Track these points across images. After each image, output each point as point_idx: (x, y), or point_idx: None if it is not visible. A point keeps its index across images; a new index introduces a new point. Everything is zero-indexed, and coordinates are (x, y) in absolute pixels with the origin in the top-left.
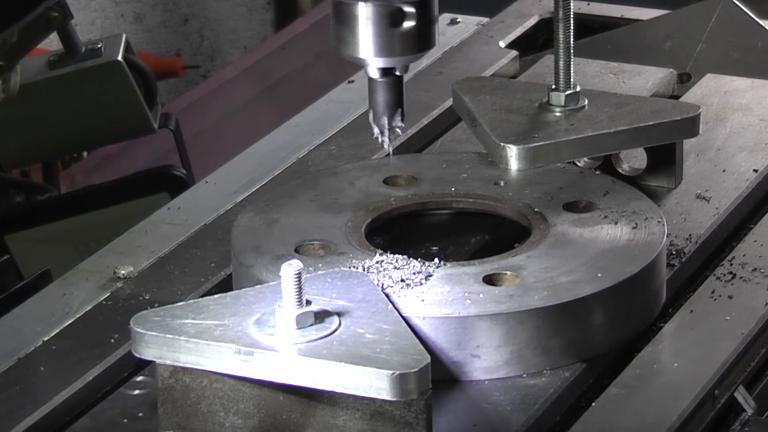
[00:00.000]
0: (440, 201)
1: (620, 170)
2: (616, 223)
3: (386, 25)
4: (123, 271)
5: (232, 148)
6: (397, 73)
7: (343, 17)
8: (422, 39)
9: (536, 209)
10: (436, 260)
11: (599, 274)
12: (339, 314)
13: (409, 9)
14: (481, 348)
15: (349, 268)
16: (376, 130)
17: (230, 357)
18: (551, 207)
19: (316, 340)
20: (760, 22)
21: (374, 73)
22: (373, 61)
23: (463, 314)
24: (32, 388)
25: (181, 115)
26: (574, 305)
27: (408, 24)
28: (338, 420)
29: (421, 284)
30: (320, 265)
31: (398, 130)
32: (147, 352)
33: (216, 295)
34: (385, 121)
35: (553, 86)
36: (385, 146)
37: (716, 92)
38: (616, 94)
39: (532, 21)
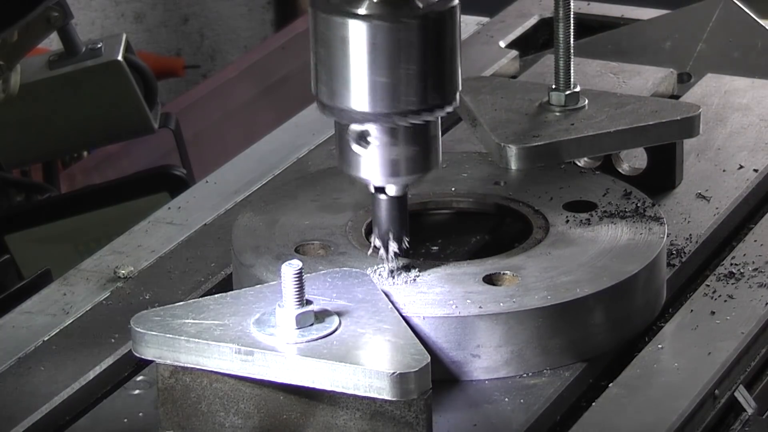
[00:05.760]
0: (440, 201)
1: (620, 170)
2: (616, 223)
3: (392, 146)
4: (123, 271)
5: (232, 148)
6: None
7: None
8: (427, 159)
9: (536, 209)
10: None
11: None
12: (339, 314)
13: (411, 130)
14: (481, 348)
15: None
16: (378, 245)
17: (230, 357)
18: (551, 207)
19: (316, 339)
20: (760, 22)
21: (378, 193)
22: (377, 181)
23: (463, 314)
24: (32, 388)
25: (181, 115)
26: (574, 305)
27: (411, 147)
28: (338, 420)
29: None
30: (320, 266)
31: (399, 251)
32: (147, 352)
33: (216, 295)
34: (390, 237)
35: (553, 86)
36: (387, 264)
37: (716, 92)
38: (616, 94)
39: (532, 21)
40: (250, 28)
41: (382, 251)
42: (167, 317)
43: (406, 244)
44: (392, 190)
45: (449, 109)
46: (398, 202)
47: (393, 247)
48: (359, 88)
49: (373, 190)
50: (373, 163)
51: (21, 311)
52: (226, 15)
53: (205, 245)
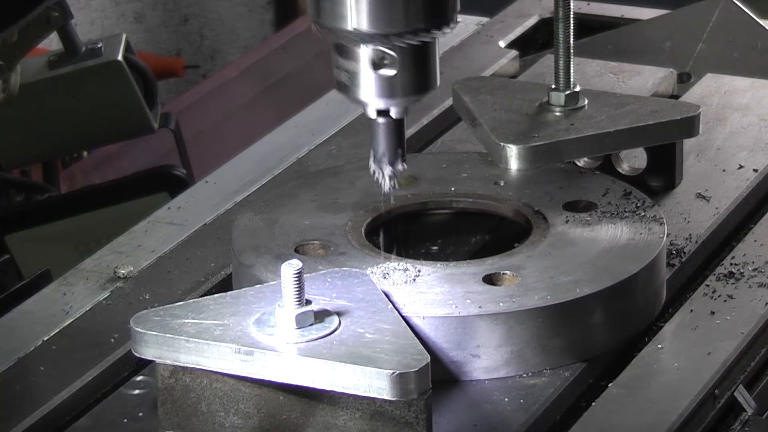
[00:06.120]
0: (440, 201)
1: (620, 170)
2: (615, 223)
3: (387, 67)
4: (123, 271)
5: (232, 148)
6: (396, 116)
7: (343, 59)
8: (424, 80)
9: (536, 209)
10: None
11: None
12: (339, 314)
13: (409, 51)
14: (481, 348)
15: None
16: (375, 171)
17: (230, 357)
18: (551, 207)
19: (316, 339)
20: (760, 22)
21: (375, 115)
22: (374, 102)
23: (463, 314)
24: (32, 388)
25: (181, 115)
26: (574, 305)
27: (409, 66)
28: (338, 420)
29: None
30: (320, 266)
31: (401, 171)
32: (147, 352)
33: (216, 295)
34: (388, 162)
35: (553, 86)
36: (385, 188)
37: (716, 92)
38: (616, 94)
39: (532, 21)
40: (250, 28)
41: (379, 175)
42: (167, 317)
43: (404, 166)
44: (390, 112)
45: (447, 30)
46: (396, 124)
47: (390, 169)
48: (356, 8)
49: (370, 114)
50: (370, 86)
51: (21, 311)
52: (226, 15)
53: (205, 245)
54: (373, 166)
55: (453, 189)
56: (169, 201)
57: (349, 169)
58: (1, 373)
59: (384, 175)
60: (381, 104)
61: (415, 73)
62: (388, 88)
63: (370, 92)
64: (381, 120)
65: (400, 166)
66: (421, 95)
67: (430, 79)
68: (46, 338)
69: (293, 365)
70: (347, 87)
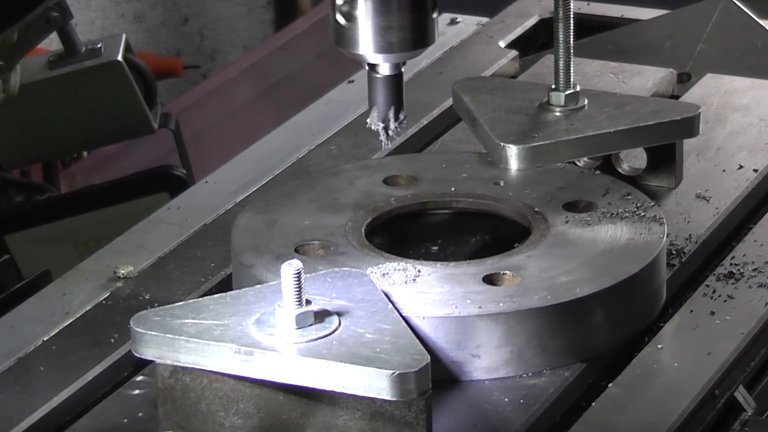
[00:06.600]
0: (440, 201)
1: (620, 170)
2: (615, 223)
3: (386, 21)
4: (123, 271)
5: (232, 148)
6: (395, 71)
7: (342, 15)
8: (422, 35)
9: (536, 209)
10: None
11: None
12: (339, 314)
13: (407, 5)
14: (481, 348)
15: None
16: (375, 127)
17: (230, 357)
18: (551, 207)
19: (316, 339)
20: (760, 22)
21: (374, 70)
22: (372, 57)
23: (463, 314)
24: (32, 388)
25: (181, 115)
26: (574, 305)
27: (404, 20)
28: (338, 420)
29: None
30: (320, 267)
31: (399, 126)
32: (147, 352)
33: (216, 295)
34: (387, 117)
35: (553, 86)
36: (384, 144)
37: (716, 92)
38: (616, 94)
39: (532, 21)
40: (250, 28)
41: (379, 129)
42: (167, 317)
43: (402, 120)
44: (389, 66)
45: None
46: (395, 79)
47: (391, 125)
48: None
49: (368, 68)
50: (368, 40)
51: (21, 311)
52: (226, 15)
53: (205, 245)
54: (371, 121)
55: (453, 189)
56: (169, 201)
57: (349, 169)
58: (1, 373)
59: (383, 129)
60: (380, 59)
61: (414, 28)
62: (387, 43)
63: (368, 47)
64: (380, 74)
65: (397, 121)
66: (420, 50)
67: (427, 35)
68: (46, 338)
69: (293, 365)
70: (346, 42)
